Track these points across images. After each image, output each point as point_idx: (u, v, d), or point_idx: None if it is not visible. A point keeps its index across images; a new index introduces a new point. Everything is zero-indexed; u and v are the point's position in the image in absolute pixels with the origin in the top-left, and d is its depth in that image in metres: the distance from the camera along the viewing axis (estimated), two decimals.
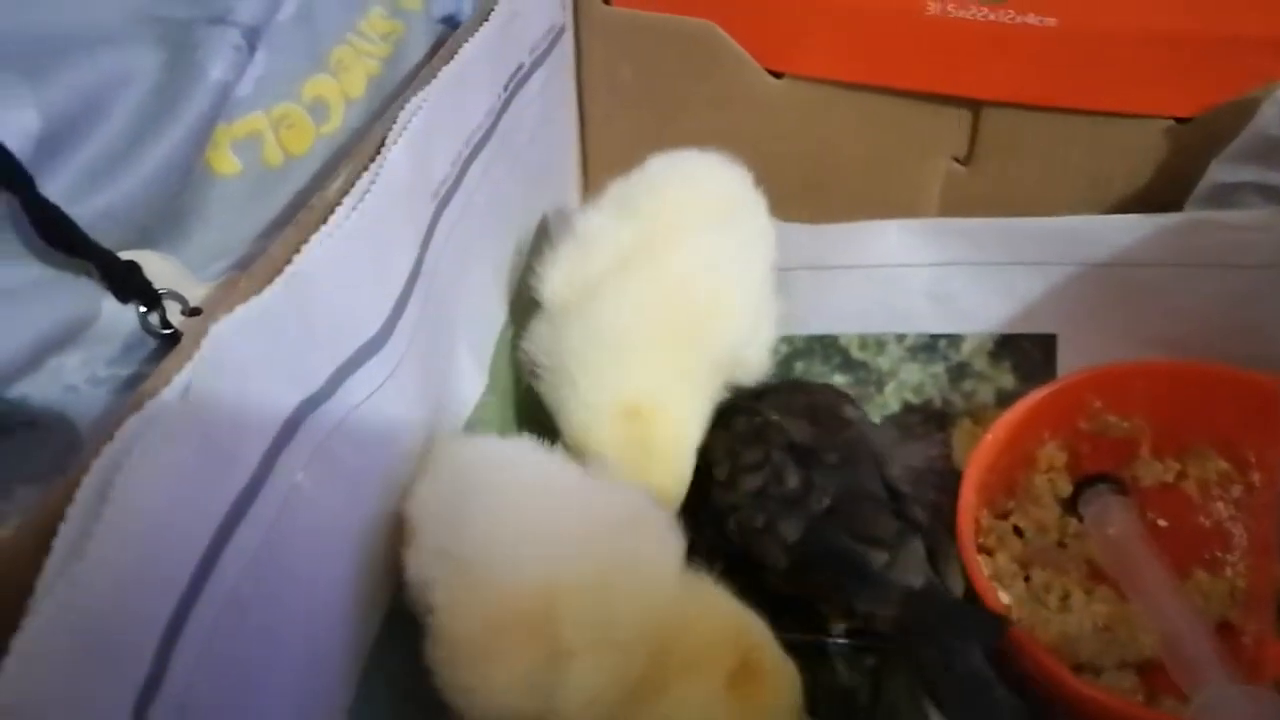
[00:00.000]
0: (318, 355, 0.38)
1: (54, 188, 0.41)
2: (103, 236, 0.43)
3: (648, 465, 0.50)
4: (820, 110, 0.67)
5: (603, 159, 0.73)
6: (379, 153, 0.41)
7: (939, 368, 0.66)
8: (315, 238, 0.37)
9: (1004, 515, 0.58)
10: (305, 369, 0.37)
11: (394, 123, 0.43)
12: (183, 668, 0.31)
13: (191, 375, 0.32)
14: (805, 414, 0.55)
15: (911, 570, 0.46)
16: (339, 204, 0.38)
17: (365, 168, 0.40)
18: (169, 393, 0.31)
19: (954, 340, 0.66)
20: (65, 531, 0.27)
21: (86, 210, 0.43)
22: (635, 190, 0.58)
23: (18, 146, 0.40)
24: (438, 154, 0.47)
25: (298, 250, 0.36)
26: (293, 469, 0.38)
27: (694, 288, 0.53)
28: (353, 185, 0.39)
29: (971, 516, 0.53)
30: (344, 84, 0.54)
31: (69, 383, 0.40)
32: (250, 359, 0.34)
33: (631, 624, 0.38)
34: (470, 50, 0.48)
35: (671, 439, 0.51)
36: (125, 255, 0.43)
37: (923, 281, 0.67)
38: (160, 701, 0.30)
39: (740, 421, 0.55)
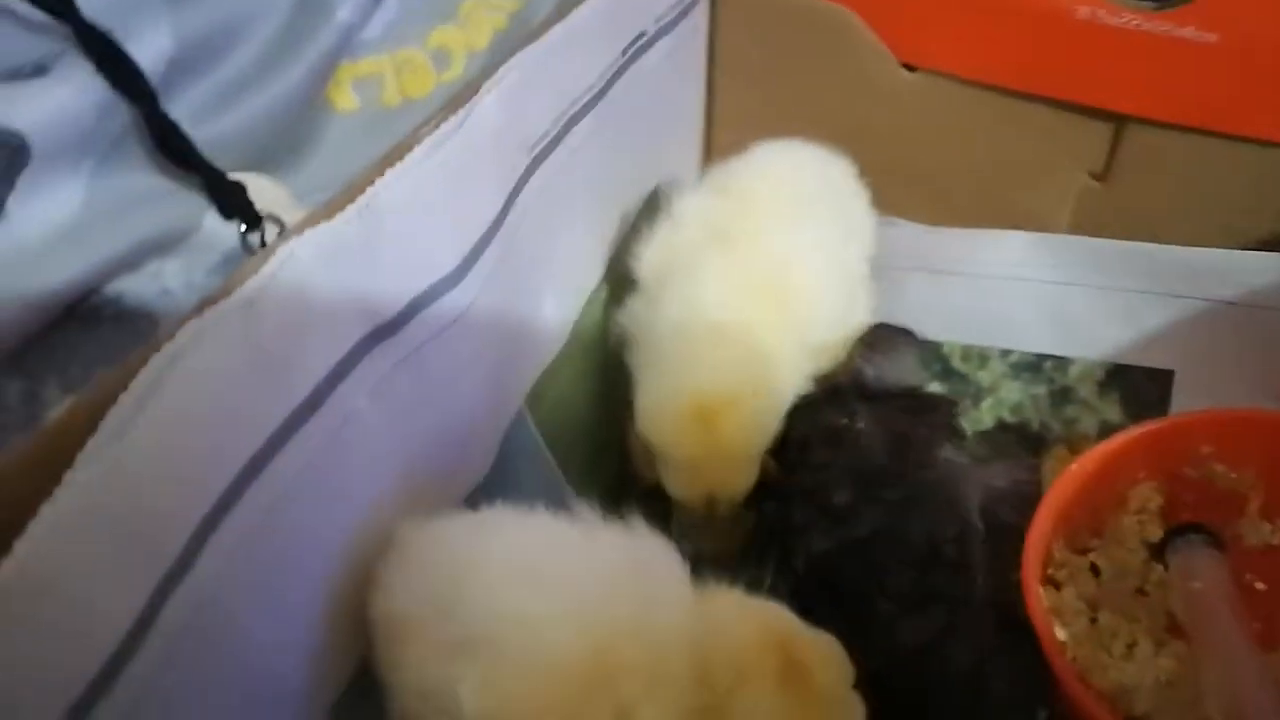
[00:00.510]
0: (388, 287, 0.39)
1: (179, 108, 0.44)
2: (219, 157, 0.46)
3: (713, 459, 0.50)
4: (952, 109, 0.65)
5: (726, 138, 0.73)
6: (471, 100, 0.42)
7: (1041, 389, 0.63)
8: (391, 172, 0.38)
9: (1082, 551, 0.55)
10: (375, 299, 0.39)
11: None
12: (212, 563, 0.33)
13: (256, 290, 0.33)
14: (895, 439, 0.52)
15: (923, 634, 0.45)
16: (419, 143, 0.40)
17: (455, 112, 0.41)
18: (231, 303, 0.33)
19: (1061, 363, 0.63)
20: (114, 414, 0.29)
21: (207, 132, 0.45)
22: (734, 175, 0.58)
23: (150, 66, 0.43)
24: (537, 109, 0.47)
25: (372, 183, 0.37)
26: (355, 394, 0.39)
27: (780, 275, 0.52)
28: (438, 128, 0.40)
29: (1043, 545, 0.51)
30: (469, 35, 0.55)
31: (166, 286, 0.43)
32: (316, 282, 0.36)
33: (675, 656, 0.37)
34: (584, 12, 0.49)
35: (741, 437, 0.50)
36: (235, 176, 0.46)
37: (1039, 298, 0.64)
38: (184, 588, 0.32)
39: (829, 414, 0.54)
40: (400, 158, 0.39)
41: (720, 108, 0.72)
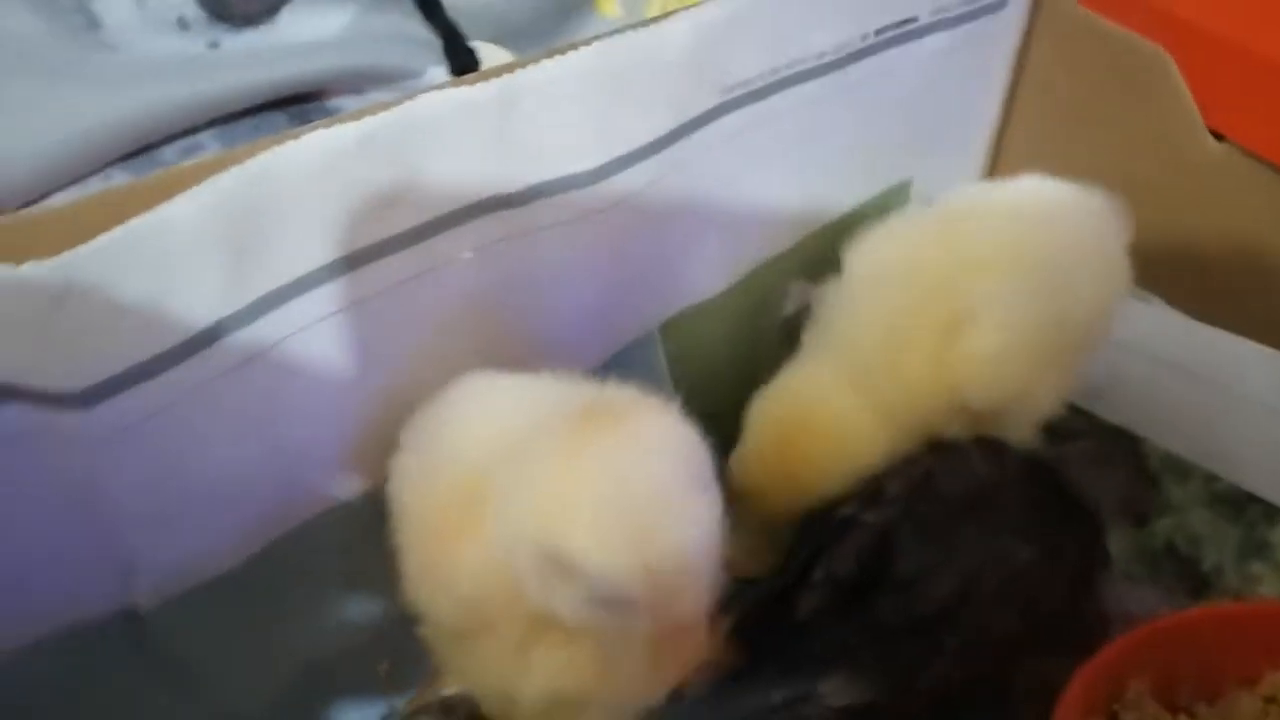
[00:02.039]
0: (515, 162, 0.44)
1: None
2: (470, 24, 0.52)
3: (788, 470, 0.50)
4: (1254, 195, 0.56)
5: (1012, 157, 0.68)
6: None
7: (1234, 532, 0.55)
8: (547, 61, 0.42)
9: (1174, 708, 0.48)
10: (499, 168, 0.43)
11: None
12: (276, 325, 0.40)
13: (379, 127, 0.39)
14: (1014, 529, 0.47)
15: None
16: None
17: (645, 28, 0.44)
18: (347, 134, 0.39)
19: (1272, 514, 0.54)
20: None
21: (471, 2, 0.52)
22: (981, 197, 0.54)
23: None
24: (743, 55, 0.49)
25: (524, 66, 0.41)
26: (461, 244, 0.44)
27: (959, 319, 0.49)
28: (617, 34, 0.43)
29: (1115, 672, 0.45)
30: None
31: None
32: (447, 132, 0.41)
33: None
34: None
35: (826, 459, 0.49)
36: (474, 43, 0.52)
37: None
38: (247, 331, 0.39)
39: (976, 460, 0.50)
40: (565, 51, 0.42)
41: (1013, 124, 0.68)
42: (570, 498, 0.34)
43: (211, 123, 0.46)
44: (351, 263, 0.41)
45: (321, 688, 0.47)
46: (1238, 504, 0.55)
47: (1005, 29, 0.62)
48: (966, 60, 0.61)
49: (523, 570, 0.35)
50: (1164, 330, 0.60)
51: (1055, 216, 0.51)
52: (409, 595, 0.41)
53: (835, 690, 0.43)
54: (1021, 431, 0.51)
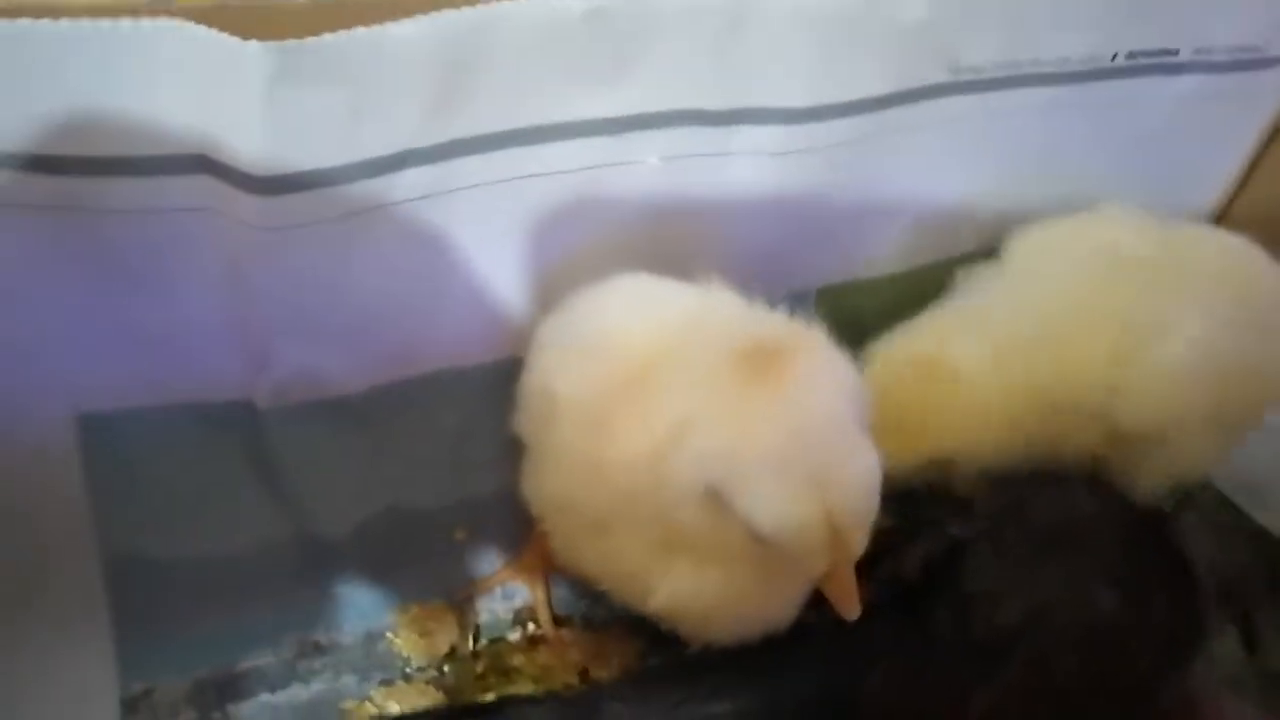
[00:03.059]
0: (725, 82, 0.43)
1: None
2: None
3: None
4: None
5: (1248, 206, 0.64)
6: None
7: None
8: None
9: None
10: (710, 84, 0.43)
11: None
12: (452, 182, 0.41)
13: (606, 5, 0.39)
14: (1103, 574, 0.44)
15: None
16: None
17: None
18: (574, 5, 0.39)
19: None
20: None
21: None
22: (1196, 226, 0.53)
23: None
24: (978, 40, 0.46)
25: None
26: (649, 150, 0.44)
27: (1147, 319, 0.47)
28: None
29: None
30: None
31: None
32: (664, 33, 0.40)
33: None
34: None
35: (943, 413, 0.47)
36: None
37: None
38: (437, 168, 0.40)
39: (1080, 495, 0.48)
40: None
41: (1249, 188, 0.63)
42: (750, 445, 0.35)
43: None
44: (542, 135, 0.41)
45: (401, 534, 0.48)
46: None
47: (1272, 90, 0.57)
48: (1221, 111, 0.57)
49: (694, 502, 0.35)
50: None
51: (1265, 277, 0.49)
52: (538, 483, 0.42)
53: (873, 689, 0.42)
54: (1152, 479, 0.48)
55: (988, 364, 0.47)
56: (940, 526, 0.48)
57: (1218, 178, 0.61)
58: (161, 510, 0.44)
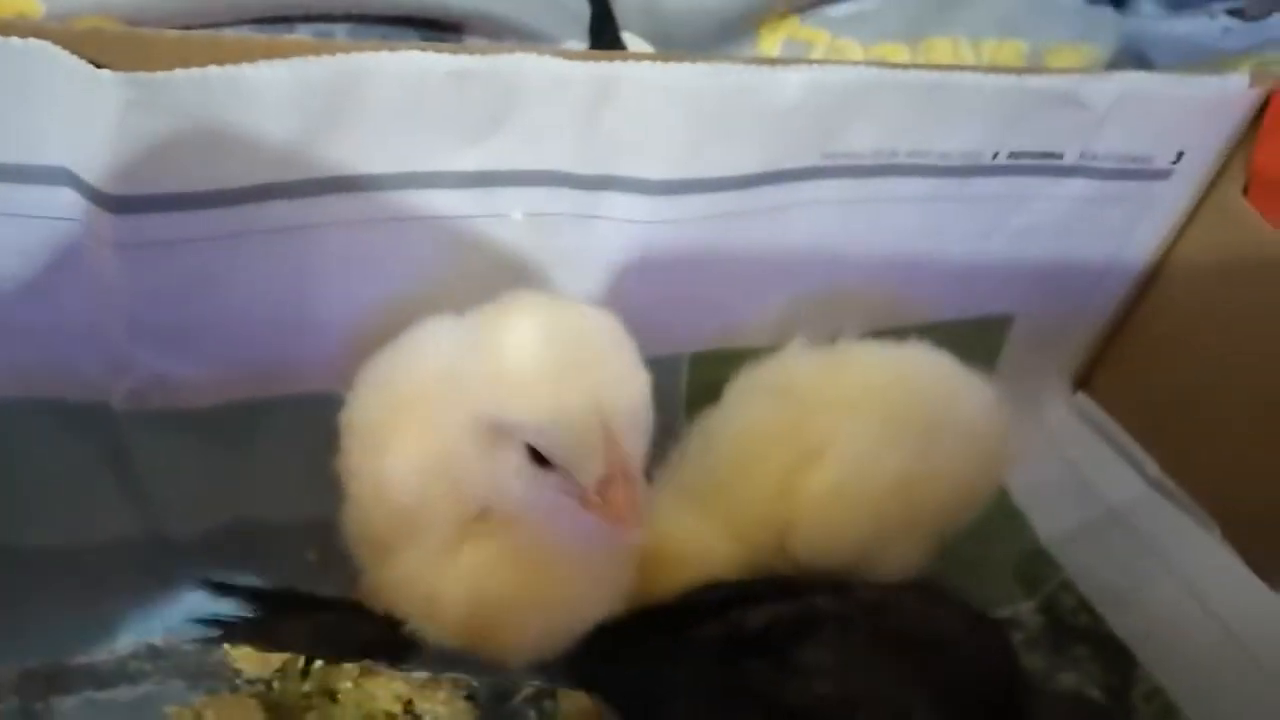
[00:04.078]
0: (592, 148, 0.45)
1: None
2: (632, 20, 0.53)
3: None
4: None
5: (1137, 330, 0.65)
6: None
7: None
8: (658, 62, 0.43)
9: None
10: (578, 149, 0.45)
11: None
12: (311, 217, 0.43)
13: (473, 67, 0.41)
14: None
15: None
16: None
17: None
18: (441, 63, 0.41)
19: None
20: None
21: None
22: (868, 349, 0.51)
23: None
24: (854, 128, 0.48)
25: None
26: (513, 205, 0.46)
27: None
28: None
29: None
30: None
31: None
32: (532, 97, 0.42)
33: None
34: (967, 81, 0.48)
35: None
36: (626, 34, 0.53)
37: None
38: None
39: (947, 617, 0.47)
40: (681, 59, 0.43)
41: (1147, 299, 0.64)
42: (510, 366, 0.36)
43: (348, 17, 0.50)
44: (406, 181, 0.43)
45: (249, 547, 0.49)
46: None
47: (1164, 200, 0.58)
48: (1118, 214, 0.58)
49: (467, 456, 0.37)
50: (1218, 574, 0.56)
51: (933, 386, 0.49)
52: (345, 517, 0.44)
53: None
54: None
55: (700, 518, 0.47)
56: (806, 596, 0.47)
57: (1116, 281, 0.63)
58: (16, 499, 0.46)
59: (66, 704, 0.46)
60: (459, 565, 0.40)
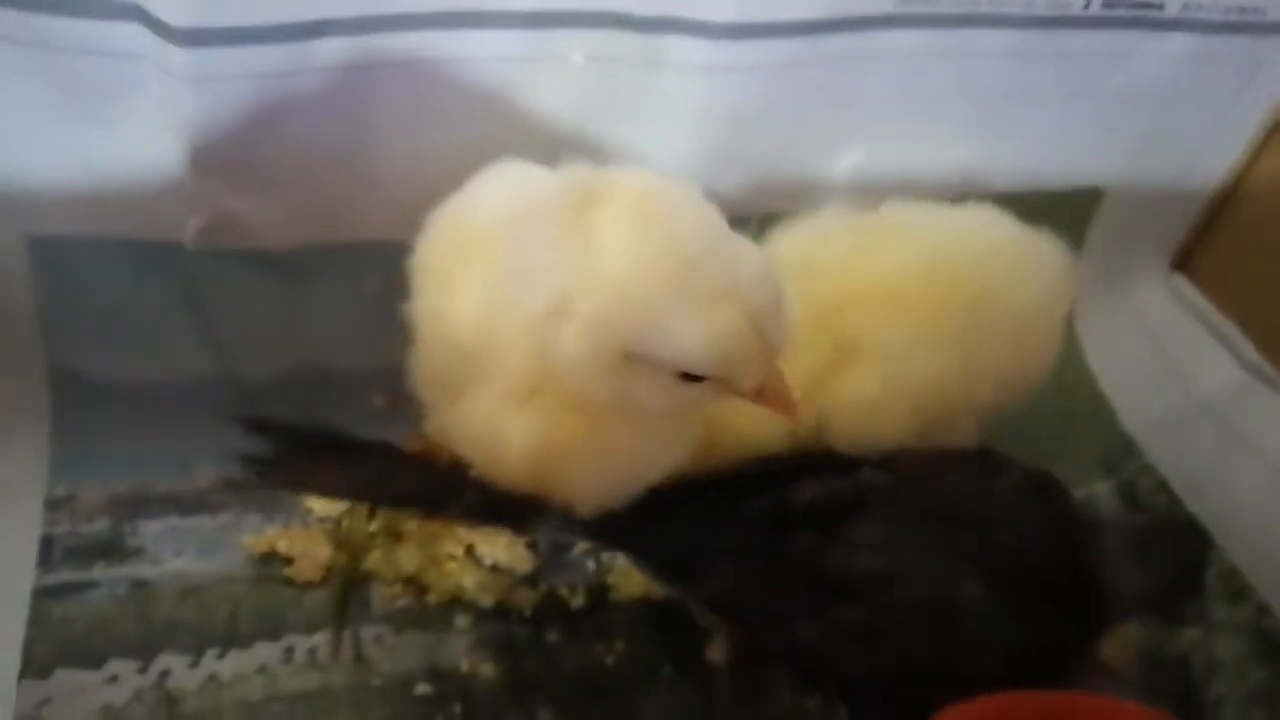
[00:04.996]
0: None
1: None
2: None
3: None
4: None
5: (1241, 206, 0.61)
6: None
7: (1258, 673, 0.48)
8: None
9: None
10: None
11: None
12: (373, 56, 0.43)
13: None
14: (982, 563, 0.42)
15: None
16: None
17: None
18: None
19: None
20: None
21: None
22: (910, 218, 0.46)
23: None
24: None
25: None
26: (572, 47, 0.45)
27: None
28: None
29: None
30: None
31: None
32: None
33: None
34: None
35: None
36: None
37: None
38: None
39: (1003, 483, 0.45)
40: None
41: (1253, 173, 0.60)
42: (645, 290, 0.33)
43: None
44: (463, 20, 0.43)
45: (318, 390, 0.51)
46: (1276, 648, 0.48)
47: (1275, 60, 0.54)
48: (1219, 77, 0.54)
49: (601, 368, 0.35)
50: None
51: (985, 264, 0.44)
52: (412, 359, 0.43)
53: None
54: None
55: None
56: (851, 473, 0.46)
57: (1218, 154, 0.59)
58: (101, 334, 0.48)
59: (152, 528, 0.49)
60: (527, 412, 0.38)
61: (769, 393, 0.36)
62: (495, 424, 0.39)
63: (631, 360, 0.34)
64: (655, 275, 0.33)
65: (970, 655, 0.42)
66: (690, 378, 0.35)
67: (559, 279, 0.34)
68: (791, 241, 0.45)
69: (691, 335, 0.33)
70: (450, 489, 0.43)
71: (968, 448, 0.46)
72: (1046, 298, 0.45)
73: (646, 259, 0.34)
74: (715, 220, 0.35)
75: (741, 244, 0.35)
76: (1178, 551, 0.49)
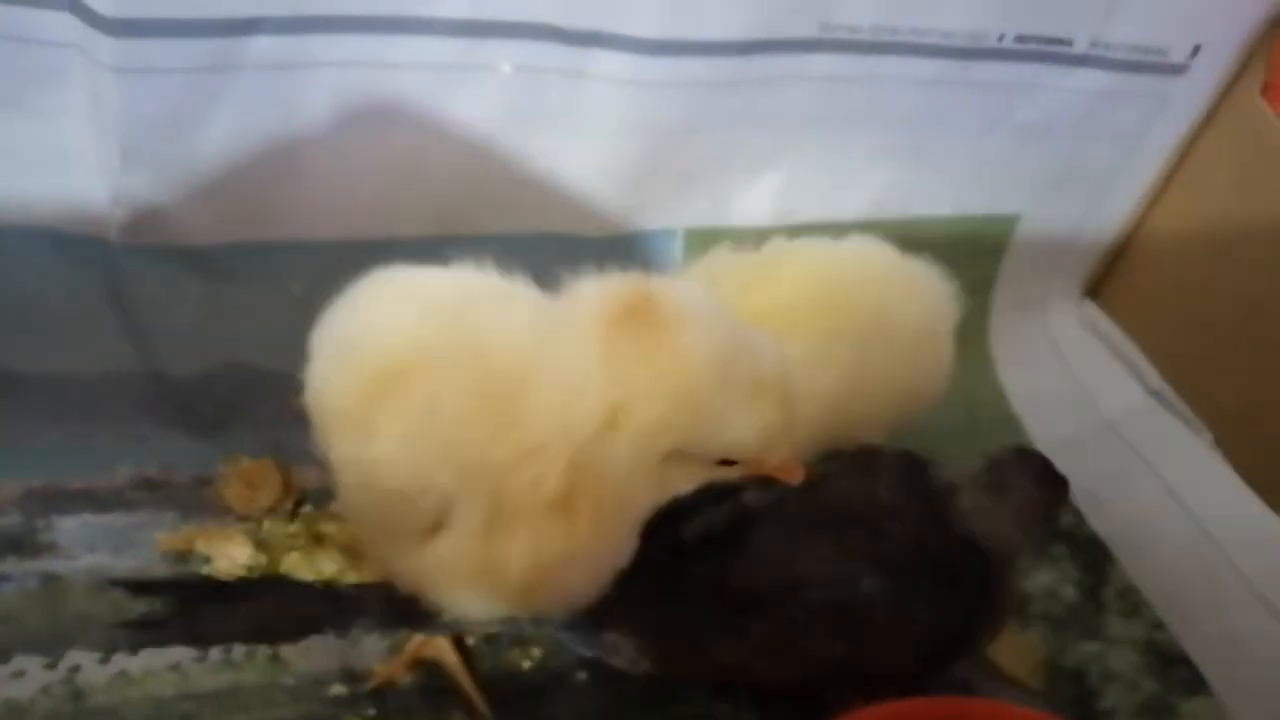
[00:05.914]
0: (579, 8, 0.45)
1: None
2: None
3: None
4: None
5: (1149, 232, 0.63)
6: None
7: (1149, 684, 0.50)
8: None
9: None
10: (567, 5, 0.45)
11: None
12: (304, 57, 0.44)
13: None
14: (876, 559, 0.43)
15: None
16: None
17: None
18: None
19: (1195, 685, 0.49)
20: None
21: None
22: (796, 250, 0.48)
23: None
24: (857, 2, 0.48)
25: None
26: (500, 57, 0.46)
27: None
28: None
29: None
30: None
31: None
32: None
33: None
34: None
35: None
36: None
37: None
38: None
39: (884, 481, 0.46)
40: None
41: (1162, 202, 0.63)
42: (690, 392, 0.35)
43: None
44: (394, 25, 0.44)
45: (239, 389, 0.51)
46: (1168, 662, 0.50)
47: (1179, 99, 0.57)
48: (1128, 114, 0.57)
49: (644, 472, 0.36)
50: (1202, 478, 0.55)
51: (871, 291, 0.46)
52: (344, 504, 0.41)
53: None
54: None
55: None
56: (734, 496, 0.47)
57: (1127, 187, 0.61)
58: (20, 325, 0.48)
59: (66, 523, 0.48)
60: (519, 536, 0.36)
61: (784, 463, 0.39)
62: (485, 555, 0.37)
63: (676, 457, 0.36)
64: (703, 377, 0.35)
65: (879, 650, 0.43)
66: (726, 463, 0.37)
67: (609, 393, 0.34)
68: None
69: (741, 426, 0.36)
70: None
71: (843, 449, 0.46)
72: (930, 318, 0.47)
73: (694, 363, 0.35)
74: (732, 316, 0.37)
75: (755, 333, 0.37)
76: (1026, 470, 0.50)
